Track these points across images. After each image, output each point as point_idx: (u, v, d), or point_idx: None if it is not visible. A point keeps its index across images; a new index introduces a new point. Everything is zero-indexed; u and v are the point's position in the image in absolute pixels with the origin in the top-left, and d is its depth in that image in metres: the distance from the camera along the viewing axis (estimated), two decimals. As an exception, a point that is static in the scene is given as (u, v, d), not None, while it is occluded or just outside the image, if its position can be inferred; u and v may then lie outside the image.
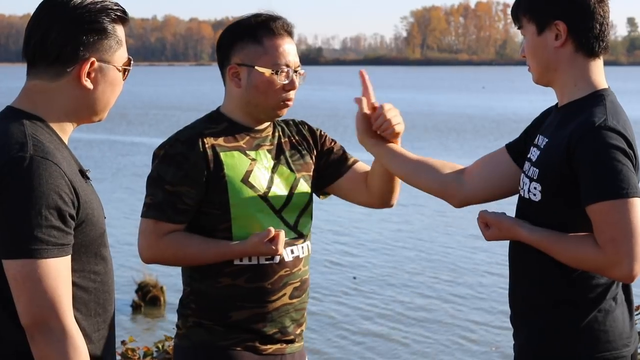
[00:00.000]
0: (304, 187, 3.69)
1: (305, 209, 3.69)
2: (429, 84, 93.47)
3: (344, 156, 3.80)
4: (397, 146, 3.64)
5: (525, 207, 3.31)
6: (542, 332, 3.25)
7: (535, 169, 3.26)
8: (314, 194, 3.82)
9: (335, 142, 3.82)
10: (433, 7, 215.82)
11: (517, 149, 3.50)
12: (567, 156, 3.14)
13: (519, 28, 3.37)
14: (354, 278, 14.73)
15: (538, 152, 3.29)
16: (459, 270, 15.23)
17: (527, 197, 3.28)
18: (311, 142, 3.78)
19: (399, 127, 3.59)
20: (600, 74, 3.30)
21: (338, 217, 19.65)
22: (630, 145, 3.13)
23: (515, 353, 3.37)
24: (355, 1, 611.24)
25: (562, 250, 3.18)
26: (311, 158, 3.76)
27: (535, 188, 3.24)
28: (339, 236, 17.90)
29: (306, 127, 3.80)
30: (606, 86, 3.30)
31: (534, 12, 3.30)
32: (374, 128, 3.60)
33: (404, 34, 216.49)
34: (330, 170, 3.77)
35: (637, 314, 5.83)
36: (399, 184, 3.76)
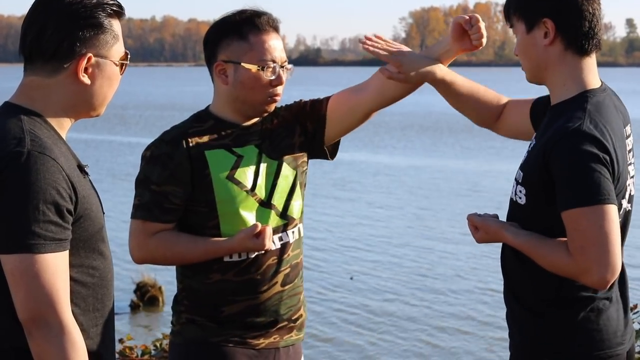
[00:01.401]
0: (286, 170, 3.68)
1: (292, 191, 3.69)
2: (425, 84, 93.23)
3: (317, 101, 3.77)
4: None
5: (513, 210, 3.31)
6: (537, 331, 3.25)
7: (520, 172, 3.26)
8: (325, 158, 3.80)
9: (310, 99, 3.78)
10: (432, 8, 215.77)
11: (537, 109, 3.51)
12: (544, 161, 3.14)
13: (510, 27, 3.36)
14: (351, 278, 14.73)
15: (526, 155, 3.30)
16: (457, 269, 15.23)
17: (515, 199, 3.29)
18: (288, 119, 3.75)
19: (484, 41, 3.58)
20: (591, 72, 3.28)
21: (335, 217, 19.66)
22: (605, 149, 3.10)
23: (510, 352, 3.37)
24: (354, 2, 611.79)
25: (540, 255, 3.18)
26: (294, 136, 3.73)
27: (520, 191, 3.25)
28: (335, 236, 17.89)
29: (281, 107, 3.78)
30: (597, 85, 3.27)
31: (522, 10, 3.29)
32: (468, 28, 3.57)
33: (403, 34, 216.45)
34: (316, 123, 3.74)
35: (634, 313, 5.85)
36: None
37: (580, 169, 3.07)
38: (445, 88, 3.62)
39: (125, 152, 32.31)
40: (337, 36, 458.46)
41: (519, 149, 3.67)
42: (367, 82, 3.74)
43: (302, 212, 3.74)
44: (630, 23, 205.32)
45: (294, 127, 3.74)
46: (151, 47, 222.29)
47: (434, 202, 21.72)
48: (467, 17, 3.57)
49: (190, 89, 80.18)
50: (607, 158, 3.10)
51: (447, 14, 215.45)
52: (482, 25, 3.55)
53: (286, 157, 3.70)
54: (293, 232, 3.69)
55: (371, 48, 3.62)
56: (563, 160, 3.09)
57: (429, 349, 11.49)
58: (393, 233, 18.40)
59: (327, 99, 3.77)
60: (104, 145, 34.14)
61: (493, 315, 12.48)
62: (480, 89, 3.66)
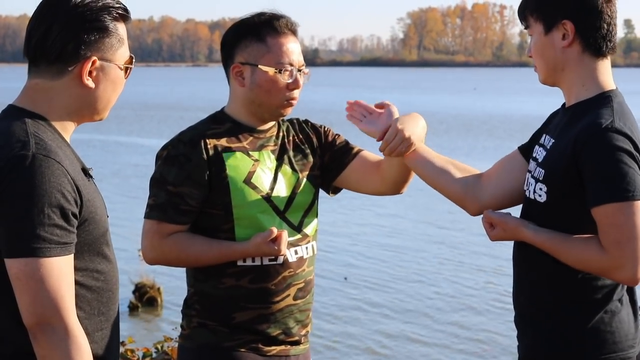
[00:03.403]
0: (307, 187, 3.67)
1: (310, 209, 3.68)
2: (423, 85, 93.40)
3: (347, 147, 3.77)
4: (420, 146, 3.59)
5: (530, 208, 3.30)
6: (548, 333, 3.24)
7: (541, 169, 3.25)
8: (326, 192, 3.80)
9: (338, 135, 3.79)
10: (430, 8, 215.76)
11: (529, 152, 3.47)
12: (573, 158, 3.13)
13: (526, 28, 3.35)
14: (345, 279, 14.74)
15: (544, 153, 3.28)
16: (451, 270, 15.23)
17: (533, 197, 3.27)
18: (314, 139, 3.75)
19: (405, 150, 3.52)
20: (607, 74, 3.29)
21: (329, 217, 19.63)
22: (636, 147, 3.11)
23: (520, 354, 3.36)
24: (352, 2, 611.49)
25: (566, 252, 3.17)
26: (315, 156, 3.72)
27: (541, 189, 3.23)
28: (330, 237, 17.86)
29: (309, 124, 3.79)
30: (614, 87, 3.29)
31: (541, 11, 3.28)
32: (383, 151, 3.55)
33: (401, 35, 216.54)
34: (336, 163, 3.74)
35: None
36: (413, 173, 3.70)
37: (616, 164, 3.08)
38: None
39: (124, 152, 32.21)
40: (334, 37, 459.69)
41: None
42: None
43: (316, 231, 3.72)
44: (628, 24, 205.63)
45: (315, 149, 3.74)
46: (149, 47, 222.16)
47: (427, 201, 21.72)
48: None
49: (188, 89, 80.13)
50: (638, 155, 3.12)
51: (445, 14, 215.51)
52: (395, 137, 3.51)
53: (308, 174, 3.69)
54: (307, 247, 3.66)
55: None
56: (597, 156, 3.09)
57: (422, 350, 11.49)
58: (390, 233, 18.39)
59: (356, 153, 3.75)
60: (102, 145, 34.04)
61: (487, 317, 12.48)
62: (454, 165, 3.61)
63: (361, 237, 18.11)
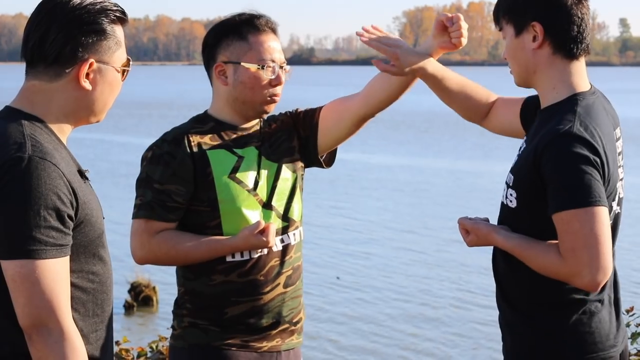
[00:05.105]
0: (286, 173, 3.72)
1: (292, 194, 3.72)
2: (418, 84, 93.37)
3: (312, 109, 3.81)
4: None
5: (504, 213, 3.32)
6: (528, 334, 3.26)
7: (511, 175, 3.28)
8: (320, 166, 3.83)
9: (302, 109, 3.83)
10: (425, 7, 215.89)
11: (527, 110, 3.51)
12: (535, 164, 3.15)
13: (499, 30, 3.37)
14: (338, 278, 14.76)
15: (517, 158, 3.30)
16: (444, 270, 15.24)
17: (506, 203, 3.30)
18: (287, 123, 3.79)
19: (463, 41, 3.57)
20: (580, 76, 3.28)
21: (322, 217, 19.66)
22: (596, 152, 3.11)
23: (503, 355, 3.37)
24: (348, 1, 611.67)
25: (531, 258, 3.19)
26: (292, 140, 3.76)
27: (511, 195, 3.26)
28: (323, 236, 17.88)
29: (280, 113, 3.83)
30: (586, 89, 3.28)
31: (512, 13, 3.30)
32: (449, 25, 3.57)
33: (397, 34, 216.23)
34: (309, 128, 3.78)
35: (630, 315, 5.86)
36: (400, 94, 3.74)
37: (571, 171, 3.08)
38: (435, 83, 3.62)
39: (117, 151, 32.21)
40: (330, 35, 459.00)
41: (511, 149, 3.69)
42: (358, 92, 3.78)
43: (302, 215, 3.76)
44: (623, 23, 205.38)
45: (292, 132, 3.78)
46: (145, 46, 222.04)
47: (422, 202, 21.75)
48: (450, 15, 3.58)
49: (181, 88, 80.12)
50: (598, 160, 3.11)
51: (440, 13, 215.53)
52: (464, 25, 3.56)
53: (285, 160, 3.73)
54: (294, 234, 3.71)
55: (369, 40, 3.63)
56: (554, 162, 3.10)
57: (413, 350, 11.51)
58: (380, 232, 18.41)
59: (321, 107, 3.81)
60: (96, 145, 34.02)
61: (482, 320, 12.50)
62: (470, 85, 3.67)
63: (354, 236, 18.11)
